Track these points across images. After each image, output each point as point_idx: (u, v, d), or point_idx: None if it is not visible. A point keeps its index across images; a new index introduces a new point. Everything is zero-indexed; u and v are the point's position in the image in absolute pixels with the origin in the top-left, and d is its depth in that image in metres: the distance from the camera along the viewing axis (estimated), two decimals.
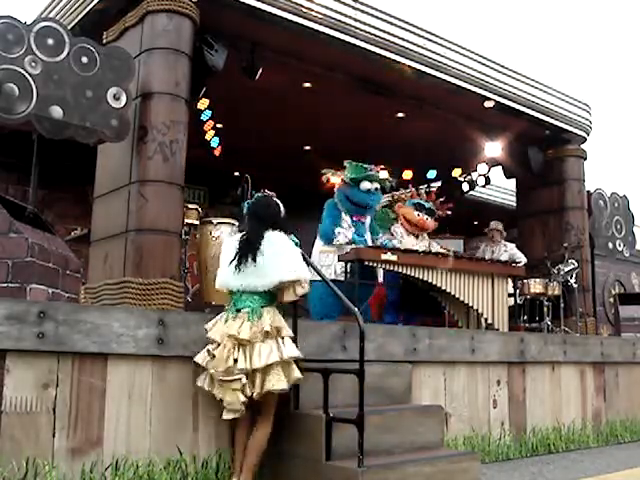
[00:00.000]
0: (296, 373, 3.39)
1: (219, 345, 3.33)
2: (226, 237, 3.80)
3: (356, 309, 3.47)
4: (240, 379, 3.25)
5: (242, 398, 3.27)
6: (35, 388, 3.18)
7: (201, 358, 3.43)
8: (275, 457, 3.59)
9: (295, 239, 3.61)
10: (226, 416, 3.37)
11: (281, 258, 3.40)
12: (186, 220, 5.69)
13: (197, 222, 5.80)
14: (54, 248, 3.79)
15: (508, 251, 8.06)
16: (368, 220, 6.37)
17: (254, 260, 3.38)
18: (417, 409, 3.97)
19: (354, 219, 6.20)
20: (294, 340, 3.52)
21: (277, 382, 3.28)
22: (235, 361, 3.25)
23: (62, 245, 4.08)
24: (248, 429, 3.42)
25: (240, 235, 3.56)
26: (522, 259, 7.78)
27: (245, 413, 3.38)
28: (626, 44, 40.34)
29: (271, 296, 3.44)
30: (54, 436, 3.19)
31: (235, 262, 3.42)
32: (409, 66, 6.87)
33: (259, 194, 3.72)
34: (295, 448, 3.49)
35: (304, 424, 3.47)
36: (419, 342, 4.72)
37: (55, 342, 3.21)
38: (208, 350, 3.38)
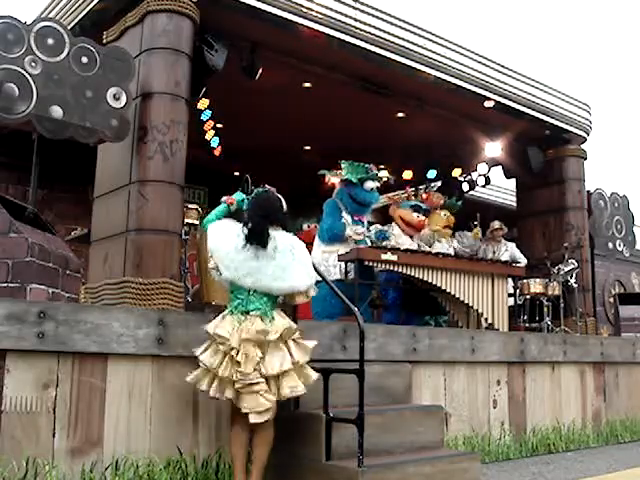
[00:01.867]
0: (312, 374, 3.29)
1: (238, 351, 3.16)
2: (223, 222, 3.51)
3: (356, 309, 3.47)
4: (260, 382, 3.13)
5: (267, 404, 3.13)
6: (35, 388, 3.18)
7: (209, 360, 3.21)
8: (275, 457, 3.58)
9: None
10: (256, 419, 3.16)
11: (301, 264, 3.33)
12: (186, 220, 5.70)
13: (197, 222, 5.81)
14: (54, 248, 3.79)
15: (509, 250, 8.07)
16: (366, 220, 6.41)
17: (265, 252, 3.26)
18: (417, 409, 3.97)
19: (355, 218, 6.23)
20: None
21: (296, 386, 3.19)
22: (257, 363, 3.14)
23: (62, 245, 4.08)
24: (246, 432, 3.31)
25: (243, 229, 3.36)
26: (522, 260, 7.79)
27: (244, 428, 3.28)
28: (626, 44, 40.36)
29: (276, 298, 3.36)
30: (54, 436, 3.20)
31: (249, 257, 3.27)
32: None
33: (259, 189, 3.65)
34: (295, 448, 3.49)
35: (304, 424, 3.47)
36: (419, 342, 4.72)
37: (55, 342, 3.21)
38: (232, 356, 3.16)
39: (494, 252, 8.07)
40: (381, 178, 6.33)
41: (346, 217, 6.18)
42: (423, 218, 6.74)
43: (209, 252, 3.46)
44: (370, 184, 6.17)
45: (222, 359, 3.19)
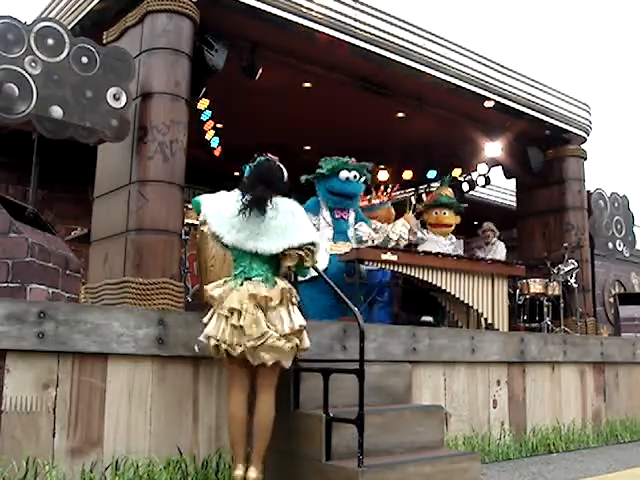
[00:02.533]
0: (306, 342, 3.30)
1: (240, 313, 3.14)
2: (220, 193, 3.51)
3: (356, 309, 3.46)
4: (272, 334, 3.12)
5: (287, 346, 3.15)
6: (35, 388, 3.18)
7: (215, 330, 3.19)
8: (275, 456, 3.58)
9: None
10: (286, 364, 3.23)
11: (302, 224, 3.31)
12: (186, 220, 5.70)
13: (197, 222, 5.80)
14: (54, 248, 3.79)
15: (495, 252, 7.86)
16: (352, 216, 6.19)
17: (264, 217, 3.23)
18: (417, 409, 3.96)
19: (336, 216, 6.07)
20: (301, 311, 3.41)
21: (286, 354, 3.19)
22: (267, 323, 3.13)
23: (62, 245, 4.08)
24: (246, 405, 3.29)
25: (242, 196, 3.32)
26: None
27: (243, 388, 3.30)
28: (626, 44, 40.34)
29: (279, 265, 3.32)
30: (54, 436, 3.19)
31: (242, 218, 3.24)
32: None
33: (261, 157, 3.62)
34: (295, 448, 3.49)
35: (304, 424, 3.47)
36: (419, 342, 4.72)
37: (55, 342, 3.21)
38: (233, 324, 3.14)
39: (485, 253, 7.89)
40: (363, 169, 6.12)
41: (324, 215, 6.03)
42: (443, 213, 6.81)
43: (203, 217, 3.42)
44: (345, 173, 5.96)
45: (225, 325, 3.18)
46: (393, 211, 6.93)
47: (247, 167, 3.54)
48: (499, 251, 7.84)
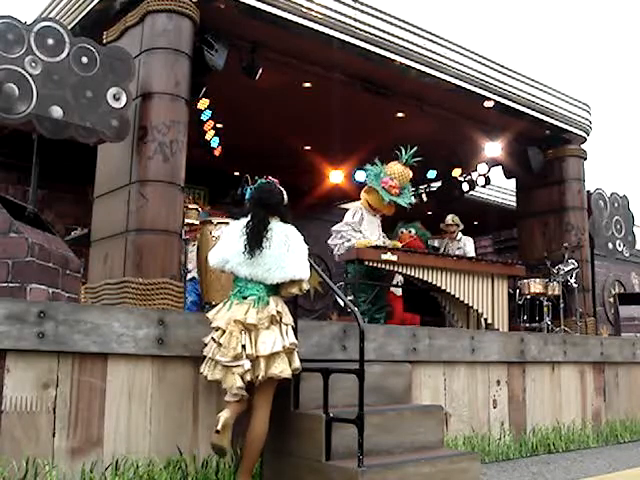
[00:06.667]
0: (297, 362, 3.37)
1: (224, 332, 3.27)
2: (231, 222, 3.68)
3: (356, 309, 3.46)
4: (243, 365, 3.20)
5: (239, 383, 3.21)
6: (35, 388, 3.18)
7: (207, 349, 3.36)
8: (275, 457, 3.59)
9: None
10: (228, 398, 3.32)
11: (295, 255, 3.37)
12: (186, 220, 5.70)
13: (197, 222, 5.80)
14: (54, 248, 3.79)
15: (462, 248, 7.49)
16: None
17: (260, 249, 3.34)
18: (417, 409, 3.96)
19: None
20: (294, 330, 3.47)
21: (284, 369, 3.26)
22: (243, 347, 3.21)
23: (62, 245, 4.08)
24: (239, 411, 3.35)
25: (245, 221, 3.46)
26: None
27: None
28: (626, 44, 40.34)
29: (277, 287, 3.41)
30: (54, 436, 3.19)
31: (244, 249, 3.36)
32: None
33: (262, 180, 3.66)
34: (295, 448, 3.48)
35: (304, 424, 3.47)
36: (419, 342, 4.72)
37: (55, 342, 3.21)
38: (213, 338, 3.31)
39: (445, 249, 7.51)
40: None
41: None
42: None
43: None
44: None
45: (214, 344, 3.32)
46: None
47: (247, 189, 3.57)
48: (468, 249, 7.50)
